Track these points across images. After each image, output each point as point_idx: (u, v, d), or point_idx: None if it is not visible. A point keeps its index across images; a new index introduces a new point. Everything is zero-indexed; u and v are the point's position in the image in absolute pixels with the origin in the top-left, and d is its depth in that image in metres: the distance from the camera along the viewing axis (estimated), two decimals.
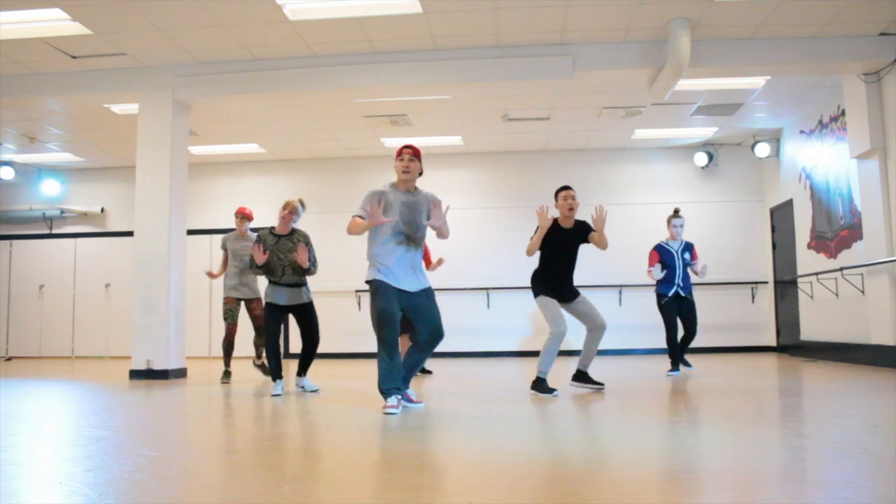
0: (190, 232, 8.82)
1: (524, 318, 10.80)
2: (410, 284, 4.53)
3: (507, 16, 6.47)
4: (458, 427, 3.90)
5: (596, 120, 9.57)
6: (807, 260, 9.22)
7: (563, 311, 5.45)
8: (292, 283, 5.79)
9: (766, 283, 10.71)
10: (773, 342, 10.61)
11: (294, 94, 7.59)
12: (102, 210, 11.87)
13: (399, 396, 4.41)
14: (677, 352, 6.99)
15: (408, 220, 4.53)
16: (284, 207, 5.84)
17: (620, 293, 10.75)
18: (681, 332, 7.08)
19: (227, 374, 6.95)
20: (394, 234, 4.52)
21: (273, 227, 5.87)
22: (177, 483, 2.57)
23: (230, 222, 11.48)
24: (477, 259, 11.00)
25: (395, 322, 4.42)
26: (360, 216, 4.51)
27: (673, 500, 2.21)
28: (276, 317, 5.78)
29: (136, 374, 7.25)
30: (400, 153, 4.60)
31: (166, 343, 7.30)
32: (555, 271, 5.55)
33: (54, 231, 12.00)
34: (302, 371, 5.95)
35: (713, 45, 6.93)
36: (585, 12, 6.39)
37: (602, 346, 10.91)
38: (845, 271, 7.89)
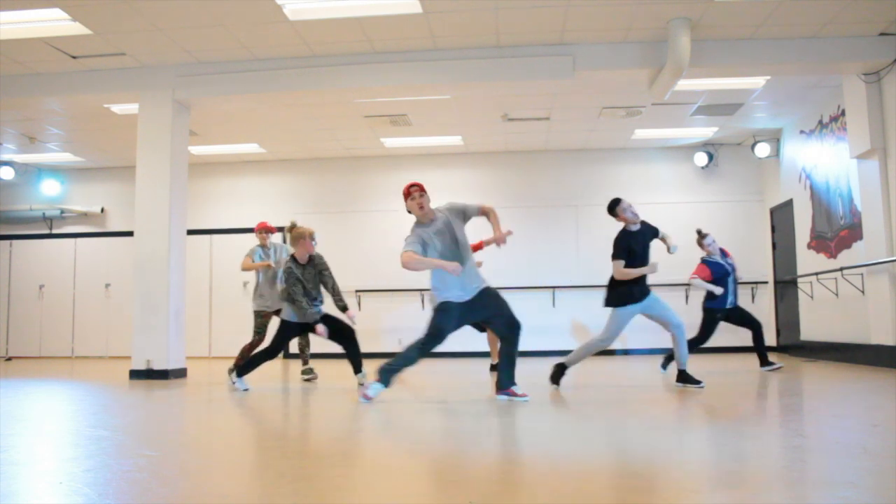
0: (190, 232, 8.81)
1: (526, 317, 10.76)
2: (468, 292, 4.88)
3: (507, 16, 6.47)
4: (458, 427, 3.90)
5: (596, 120, 9.57)
6: (807, 260, 9.22)
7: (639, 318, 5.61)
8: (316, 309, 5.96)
9: (766, 283, 10.71)
10: (773, 342, 10.60)
11: (294, 94, 7.58)
12: (102, 210, 11.87)
13: (383, 389, 4.83)
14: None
15: (447, 245, 4.83)
16: (302, 236, 5.87)
17: None
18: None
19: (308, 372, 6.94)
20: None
21: (293, 258, 5.93)
22: (177, 483, 2.57)
23: (230, 222, 11.55)
24: (477, 259, 10.98)
25: (440, 338, 4.84)
26: (412, 251, 4.73)
27: (673, 500, 2.21)
28: (288, 335, 5.99)
29: (136, 374, 7.25)
30: (409, 193, 4.86)
31: (166, 343, 7.29)
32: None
33: (54, 231, 12.00)
34: (357, 369, 6.00)
35: (713, 45, 6.93)
36: (585, 12, 6.39)
37: None
38: (845, 271, 7.88)
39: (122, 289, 11.31)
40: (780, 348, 10.39)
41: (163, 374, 7.21)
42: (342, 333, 5.97)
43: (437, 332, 4.82)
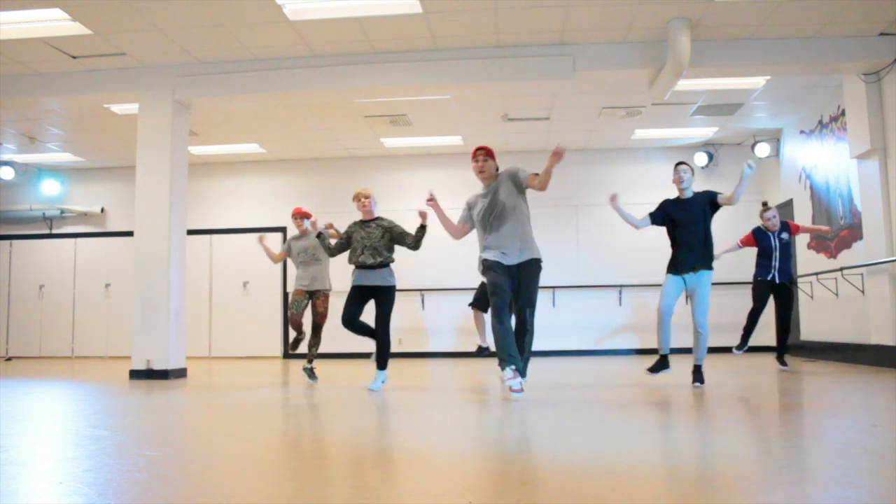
0: (190, 232, 8.82)
1: None
2: (511, 257, 5.00)
3: (507, 16, 6.47)
4: (458, 427, 3.90)
5: (596, 120, 9.57)
6: (807, 260, 9.22)
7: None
8: (372, 265, 5.82)
9: None
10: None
11: (294, 94, 7.59)
12: (102, 210, 11.87)
13: (514, 367, 4.72)
14: (750, 331, 7.37)
15: (485, 208, 5.11)
16: (357, 198, 6.00)
17: (620, 293, 10.74)
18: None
19: (308, 371, 6.76)
20: (483, 228, 5.16)
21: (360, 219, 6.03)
22: (177, 483, 2.57)
23: (230, 222, 11.56)
24: (477, 259, 10.98)
25: (498, 294, 4.87)
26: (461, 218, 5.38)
27: (673, 500, 2.21)
28: (354, 300, 5.87)
29: (136, 374, 7.25)
30: (474, 155, 5.37)
31: (166, 343, 7.29)
32: (680, 244, 5.86)
33: (54, 231, 12.00)
34: (380, 364, 5.86)
35: (713, 45, 6.93)
36: (585, 12, 6.39)
37: (602, 346, 10.99)
38: (845, 271, 7.88)
39: (122, 289, 11.31)
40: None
41: (163, 374, 7.21)
42: (379, 319, 5.87)
43: (492, 288, 4.89)
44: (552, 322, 10.68)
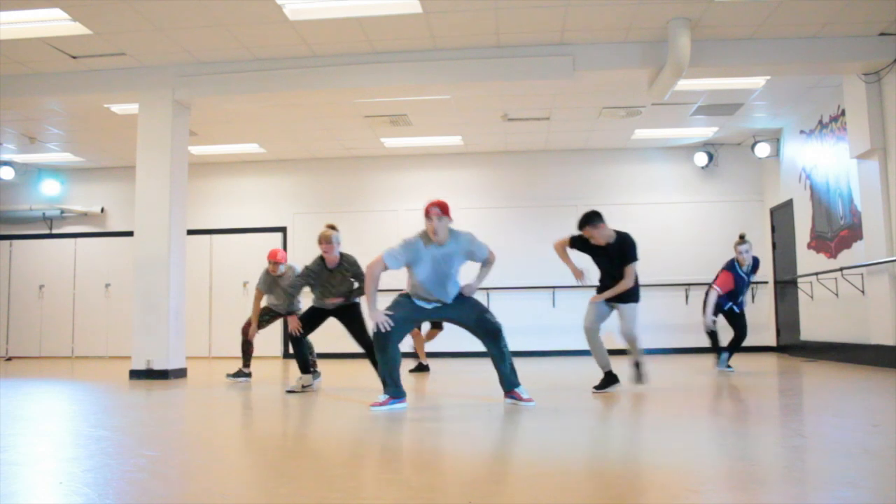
0: (190, 232, 8.82)
1: (526, 317, 10.78)
2: (443, 297, 4.74)
3: (507, 16, 6.47)
4: (458, 427, 3.90)
5: (596, 120, 9.57)
6: (807, 260, 9.22)
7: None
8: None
9: (766, 283, 10.70)
10: (773, 342, 10.60)
11: (294, 94, 7.58)
12: (102, 210, 11.87)
13: (386, 397, 4.58)
14: (719, 346, 7.31)
15: (435, 275, 4.65)
16: (320, 242, 5.73)
17: None
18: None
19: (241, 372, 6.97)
20: (423, 286, 4.69)
21: (322, 259, 5.80)
22: (177, 483, 2.57)
23: (230, 222, 11.56)
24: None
25: (396, 319, 4.63)
26: (386, 264, 4.63)
27: (673, 500, 2.21)
28: (310, 318, 5.88)
29: (136, 374, 7.25)
30: (427, 213, 4.56)
31: (166, 343, 7.29)
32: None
33: (54, 231, 12.00)
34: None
35: (713, 45, 6.93)
36: (585, 12, 6.39)
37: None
38: (845, 271, 7.88)
39: (122, 289, 11.31)
40: (780, 348, 10.39)
41: (163, 374, 7.21)
42: (358, 336, 5.91)
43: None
44: (552, 322, 10.69)
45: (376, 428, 3.86)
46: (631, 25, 6.66)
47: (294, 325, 5.78)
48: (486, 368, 8.24)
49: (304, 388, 5.84)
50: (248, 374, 7.01)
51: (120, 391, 6.09)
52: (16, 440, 3.45)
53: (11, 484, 2.49)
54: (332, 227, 5.81)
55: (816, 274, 8.61)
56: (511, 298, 10.84)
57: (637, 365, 5.60)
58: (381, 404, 4.53)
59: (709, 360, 8.72)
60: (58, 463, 2.93)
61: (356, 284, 5.84)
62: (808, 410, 4.42)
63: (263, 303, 6.94)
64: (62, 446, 3.39)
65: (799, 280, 9.38)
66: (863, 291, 7.70)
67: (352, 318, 5.85)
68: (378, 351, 4.61)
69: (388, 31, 6.73)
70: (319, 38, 6.91)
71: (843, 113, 7.96)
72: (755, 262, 7.23)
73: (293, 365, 9.38)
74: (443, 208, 4.55)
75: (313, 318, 5.90)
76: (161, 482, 2.54)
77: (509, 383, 4.73)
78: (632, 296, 5.49)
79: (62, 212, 11.78)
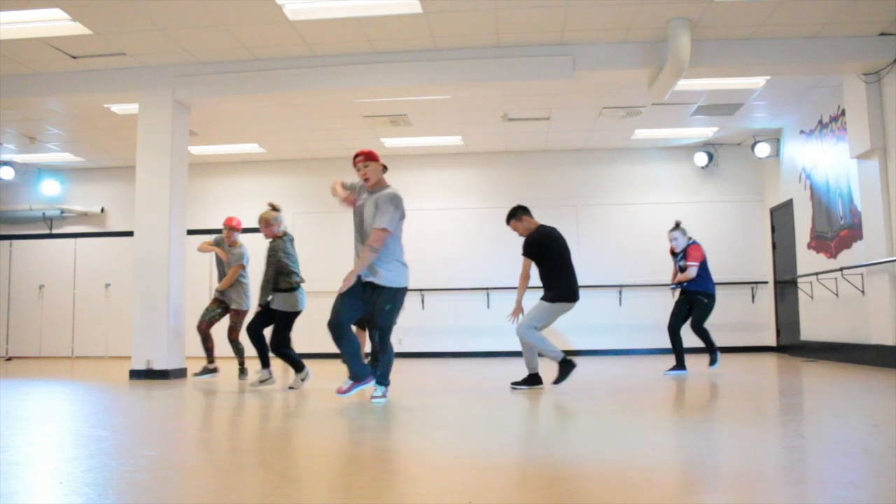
0: (190, 232, 8.80)
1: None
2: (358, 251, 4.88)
3: (507, 16, 6.47)
4: (458, 427, 3.90)
5: (596, 120, 9.57)
6: (807, 260, 9.22)
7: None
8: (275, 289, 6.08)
9: (766, 283, 10.71)
10: (773, 342, 10.60)
11: (294, 94, 7.58)
12: (102, 210, 11.87)
13: (350, 382, 4.77)
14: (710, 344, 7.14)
15: (359, 226, 4.91)
16: (264, 222, 6.12)
17: (620, 293, 10.74)
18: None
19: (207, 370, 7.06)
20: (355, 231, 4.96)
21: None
22: (177, 483, 2.57)
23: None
24: (477, 259, 11.00)
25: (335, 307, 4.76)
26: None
27: (673, 500, 2.21)
28: (259, 318, 6.10)
29: (136, 374, 7.25)
30: (354, 162, 5.00)
31: (166, 343, 7.29)
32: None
33: (54, 231, 11.99)
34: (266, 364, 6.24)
35: (713, 45, 6.93)
36: (585, 12, 6.39)
37: (602, 345, 10.97)
38: (845, 271, 7.88)
39: (122, 289, 11.30)
40: (780, 348, 10.39)
41: (163, 374, 7.21)
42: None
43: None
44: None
45: (377, 428, 3.86)
46: (631, 25, 6.66)
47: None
48: (487, 368, 8.25)
49: (262, 382, 6.07)
50: (214, 370, 7.04)
51: (120, 391, 6.09)
52: (16, 440, 3.45)
53: (11, 484, 2.49)
54: (273, 206, 6.18)
55: (816, 274, 8.61)
56: (511, 298, 10.81)
57: (559, 364, 5.62)
58: (346, 390, 4.72)
59: (705, 359, 8.72)
60: (58, 463, 2.93)
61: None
62: (808, 410, 4.42)
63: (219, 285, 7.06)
64: (62, 446, 3.39)
65: (799, 280, 9.38)
66: (863, 291, 7.70)
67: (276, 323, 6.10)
68: (336, 340, 4.71)
69: (388, 31, 6.73)
70: (319, 38, 6.91)
71: (843, 113, 7.96)
72: (687, 249, 6.99)
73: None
74: (367, 155, 4.95)
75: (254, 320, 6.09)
76: (161, 482, 2.54)
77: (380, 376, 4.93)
78: (544, 293, 5.82)
79: (62, 212, 11.78)
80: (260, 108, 8.81)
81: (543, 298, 5.69)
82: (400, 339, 10.73)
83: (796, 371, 7.25)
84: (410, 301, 10.93)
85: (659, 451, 3.10)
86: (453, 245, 11.10)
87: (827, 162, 8.60)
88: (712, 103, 8.86)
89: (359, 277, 4.75)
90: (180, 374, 7.46)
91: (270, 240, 6.15)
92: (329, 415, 4.45)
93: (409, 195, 11.21)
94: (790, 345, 9.94)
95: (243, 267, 7.02)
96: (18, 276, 11.97)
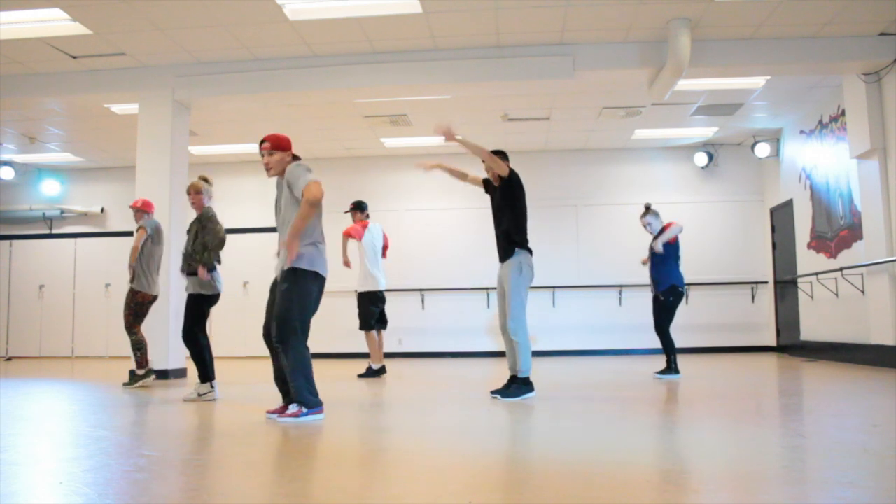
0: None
1: (528, 317, 10.77)
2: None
3: (507, 16, 6.47)
4: (457, 427, 3.90)
5: (596, 120, 9.57)
6: (807, 260, 9.22)
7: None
8: (190, 272, 5.34)
9: (766, 283, 10.71)
10: (773, 342, 10.60)
11: (294, 94, 7.59)
12: (102, 210, 11.87)
13: (298, 408, 4.06)
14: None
15: (276, 214, 4.34)
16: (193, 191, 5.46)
17: (620, 293, 10.75)
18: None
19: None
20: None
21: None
22: (177, 483, 2.57)
23: (230, 222, 11.42)
24: (477, 259, 10.98)
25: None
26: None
27: (673, 500, 2.21)
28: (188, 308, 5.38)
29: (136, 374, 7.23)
30: (260, 149, 4.18)
31: (166, 343, 7.29)
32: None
33: (54, 231, 12.00)
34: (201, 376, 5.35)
35: (713, 45, 6.93)
36: (585, 12, 6.39)
37: (602, 345, 10.98)
38: (845, 271, 7.88)
39: (122, 289, 11.25)
40: (780, 348, 10.39)
41: (163, 374, 7.20)
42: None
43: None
44: (552, 322, 10.69)
45: (377, 428, 3.86)
46: (631, 25, 6.66)
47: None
48: (487, 368, 8.25)
49: (201, 395, 5.29)
50: (148, 374, 6.56)
51: (120, 391, 6.09)
52: (16, 440, 3.45)
53: (11, 484, 2.49)
54: (205, 180, 5.51)
55: (816, 274, 8.61)
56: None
57: (521, 380, 5.03)
58: (293, 415, 3.99)
59: (712, 360, 8.73)
60: (58, 463, 2.93)
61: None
62: (808, 410, 4.42)
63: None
64: (62, 446, 3.39)
65: (799, 280, 9.38)
66: (863, 291, 7.70)
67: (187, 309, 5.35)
68: (284, 350, 3.96)
69: (388, 31, 6.73)
70: (319, 38, 6.91)
71: (843, 113, 7.96)
72: (661, 232, 6.68)
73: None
74: (273, 141, 4.11)
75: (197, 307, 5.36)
76: (161, 482, 2.54)
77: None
78: (507, 254, 5.32)
79: (62, 212, 11.79)
80: (260, 108, 8.81)
81: (510, 270, 5.10)
82: (400, 339, 10.74)
83: (796, 371, 7.25)
84: (410, 301, 10.94)
85: (659, 451, 3.10)
86: (453, 245, 11.09)
87: (827, 162, 8.60)
88: (712, 103, 8.86)
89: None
90: (180, 374, 7.46)
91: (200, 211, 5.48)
92: (329, 415, 4.44)
93: (410, 195, 11.29)
94: (790, 345, 9.94)
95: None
96: (18, 276, 11.97)
